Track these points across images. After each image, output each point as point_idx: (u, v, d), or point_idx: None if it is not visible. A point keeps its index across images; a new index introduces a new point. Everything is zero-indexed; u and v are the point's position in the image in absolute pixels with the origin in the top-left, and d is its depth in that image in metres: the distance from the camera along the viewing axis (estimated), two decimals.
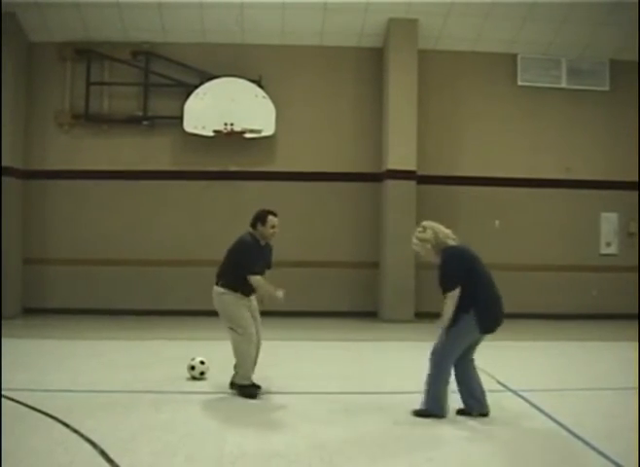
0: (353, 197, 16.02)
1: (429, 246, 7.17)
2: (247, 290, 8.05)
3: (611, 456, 5.86)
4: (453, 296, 6.92)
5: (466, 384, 7.24)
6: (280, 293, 7.90)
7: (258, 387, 8.00)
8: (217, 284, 8.14)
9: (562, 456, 5.99)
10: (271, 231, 8.18)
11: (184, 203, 15.70)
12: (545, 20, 15.17)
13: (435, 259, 7.18)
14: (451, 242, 7.19)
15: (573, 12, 14.90)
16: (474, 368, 7.30)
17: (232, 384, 8.14)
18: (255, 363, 8.15)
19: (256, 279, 7.90)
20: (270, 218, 8.17)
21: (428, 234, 7.17)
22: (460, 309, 6.95)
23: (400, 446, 6.24)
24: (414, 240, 7.25)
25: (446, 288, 6.99)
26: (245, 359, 7.95)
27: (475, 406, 7.19)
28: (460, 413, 7.22)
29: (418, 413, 7.13)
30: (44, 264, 15.36)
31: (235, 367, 8.12)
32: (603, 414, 7.38)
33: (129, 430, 6.41)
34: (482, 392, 7.24)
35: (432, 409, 7.10)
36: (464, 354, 7.19)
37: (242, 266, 7.92)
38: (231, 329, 7.99)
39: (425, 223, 7.33)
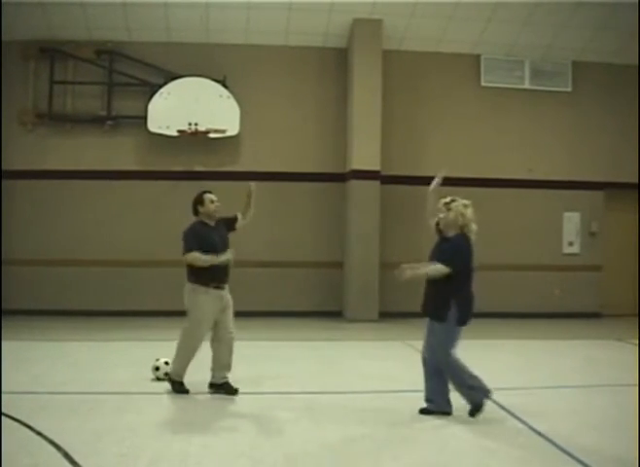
0: (317, 197, 16.03)
1: (460, 222, 7.36)
2: (216, 276, 8.06)
3: (574, 453, 5.96)
4: (441, 269, 7.06)
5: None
6: (227, 256, 7.99)
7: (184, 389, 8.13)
8: (188, 280, 8.16)
9: (526, 454, 6.06)
10: (212, 206, 8.29)
11: (149, 203, 15.61)
12: (508, 22, 15.30)
13: (446, 230, 7.44)
14: (472, 234, 7.40)
15: (536, 13, 15.04)
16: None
17: (212, 385, 8.18)
18: (227, 364, 8.20)
19: (191, 256, 7.97)
20: (206, 196, 8.33)
21: (468, 213, 7.42)
22: (445, 303, 7.11)
23: (365, 445, 6.28)
24: (456, 208, 7.44)
25: (441, 260, 7.12)
26: (182, 356, 8.11)
27: (441, 404, 7.28)
28: (423, 412, 7.31)
29: (472, 412, 7.21)
30: (7, 264, 15.14)
31: (212, 369, 8.19)
32: (566, 412, 7.49)
33: (94, 432, 6.39)
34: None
35: (479, 397, 7.21)
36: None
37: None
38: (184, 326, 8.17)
39: (469, 204, 7.58)
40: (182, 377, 8.12)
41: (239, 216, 8.60)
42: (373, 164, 15.20)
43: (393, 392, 8.39)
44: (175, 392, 8.02)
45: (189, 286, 8.13)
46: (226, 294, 8.22)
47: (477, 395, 7.19)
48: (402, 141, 16.00)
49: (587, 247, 16.63)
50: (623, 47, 15.81)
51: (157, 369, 8.69)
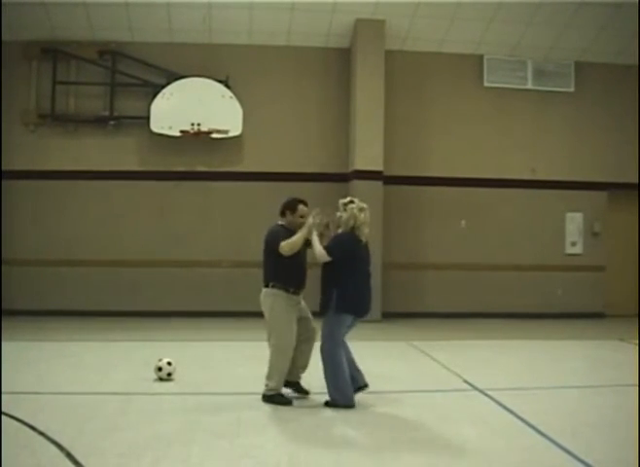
0: (320, 198, 15.88)
1: (351, 223, 7.64)
2: (296, 279, 7.74)
3: (575, 453, 5.95)
4: (321, 254, 7.43)
5: None
6: (313, 217, 7.74)
7: (288, 398, 7.72)
8: (265, 286, 7.79)
9: (528, 454, 6.04)
10: (300, 220, 7.83)
11: (152, 204, 15.61)
12: (510, 22, 15.29)
13: (335, 228, 7.79)
14: (363, 237, 7.68)
15: (538, 14, 15.03)
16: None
17: (286, 383, 7.91)
18: (305, 364, 7.97)
19: (286, 244, 7.52)
20: (301, 207, 7.97)
21: (361, 216, 7.70)
22: (327, 293, 7.47)
23: (366, 444, 6.28)
24: (351, 210, 7.76)
25: (325, 248, 7.45)
26: (273, 371, 7.66)
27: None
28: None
29: (327, 404, 7.50)
30: (10, 265, 15.13)
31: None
32: (567, 412, 7.48)
33: (96, 432, 6.39)
34: (357, 369, 7.75)
35: (339, 400, 7.45)
36: None
37: (276, 250, 7.60)
38: (270, 337, 7.76)
39: (366, 207, 7.90)
40: (280, 389, 7.71)
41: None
42: (376, 165, 15.17)
43: (396, 393, 8.38)
44: (277, 404, 7.55)
45: (268, 291, 7.73)
46: (301, 300, 7.88)
47: (338, 398, 7.45)
48: (404, 141, 15.98)
49: (590, 247, 16.61)
50: (626, 47, 15.82)
51: (159, 369, 8.66)
